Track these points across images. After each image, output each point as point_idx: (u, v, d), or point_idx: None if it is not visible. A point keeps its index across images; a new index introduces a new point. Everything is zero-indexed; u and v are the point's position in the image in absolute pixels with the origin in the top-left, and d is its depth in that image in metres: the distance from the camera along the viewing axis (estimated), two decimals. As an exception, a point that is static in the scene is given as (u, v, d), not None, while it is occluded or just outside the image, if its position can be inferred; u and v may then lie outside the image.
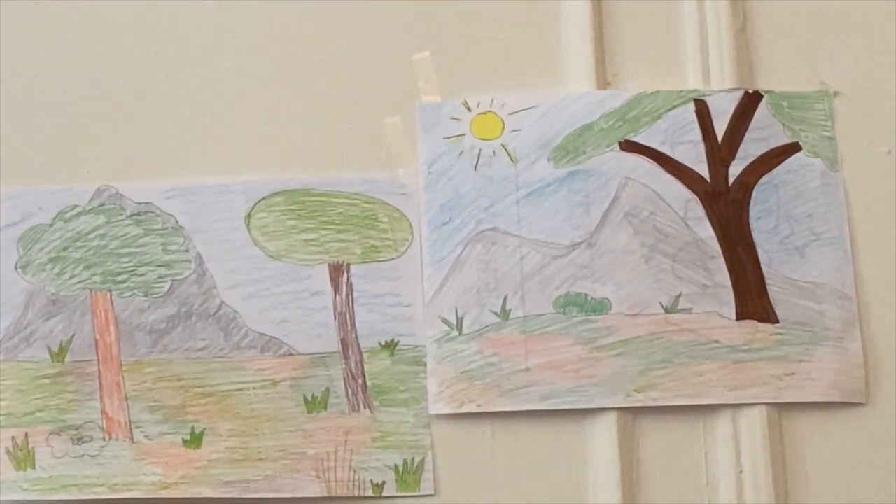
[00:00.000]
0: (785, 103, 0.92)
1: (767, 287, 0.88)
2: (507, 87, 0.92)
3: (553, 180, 0.90)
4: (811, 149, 0.91)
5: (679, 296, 0.88)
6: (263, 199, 0.90)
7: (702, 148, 0.91)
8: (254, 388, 0.87)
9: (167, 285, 0.89)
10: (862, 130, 0.92)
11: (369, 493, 0.86)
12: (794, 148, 0.91)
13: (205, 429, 0.86)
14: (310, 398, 0.87)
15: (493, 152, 0.91)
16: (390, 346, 0.88)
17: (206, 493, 0.85)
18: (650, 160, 0.90)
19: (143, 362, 0.88)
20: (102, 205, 0.91)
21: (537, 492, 0.86)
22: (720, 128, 0.91)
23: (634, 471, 0.86)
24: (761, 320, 0.88)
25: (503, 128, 0.91)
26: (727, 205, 0.90)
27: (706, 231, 0.89)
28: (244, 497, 0.85)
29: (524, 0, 0.94)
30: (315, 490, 0.86)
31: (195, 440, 0.86)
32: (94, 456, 0.86)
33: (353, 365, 0.88)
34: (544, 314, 0.88)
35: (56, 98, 0.93)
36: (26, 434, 0.87)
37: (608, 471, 0.85)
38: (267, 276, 0.89)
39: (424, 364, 0.87)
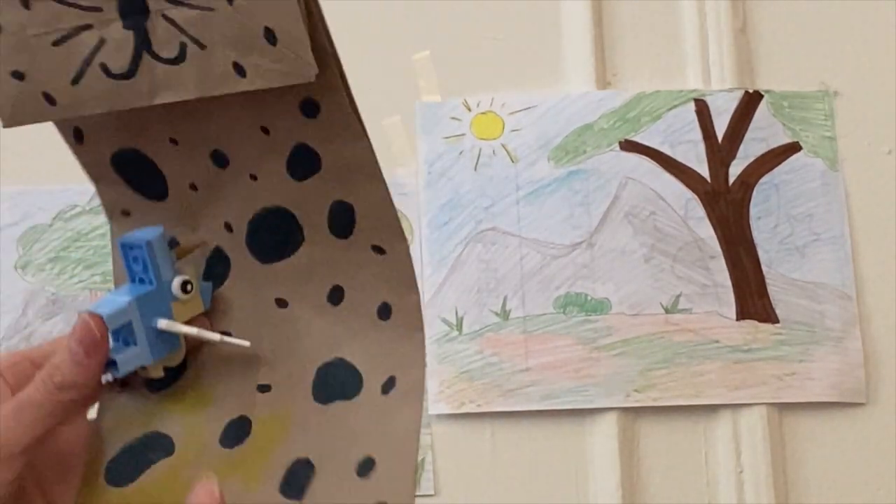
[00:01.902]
0: (785, 103, 0.92)
1: (767, 287, 0.88)
2: (507, 87, 0.92)
3: (553, 180, 0.90)
4: (811, 149, 0.91)
5: (679, 296, 0.88)
6: (263, 198, 0.90)
7: (702, 148, 0.91)
8: (254, 388, 0.87)
9: (167, 285, 0.89)
10: (862, 130, 0.92)
11: (369, 493, 0.85)
12: (794, 148, 0.91)
13: (205, 429, 0.86)
14: (309, 398, 0.87)
15: (493, 152, 0.91)
16: (390, 346, 0.88)
17: (206, 493, 0.85)
18: (650, 160, 0.90)
19: (143, 362, 0.88)
20: (102, 205, 0.91)
21: (537, 492, 0.86)
22: (720, 128, 0.91)
23: (634, 471, 0.86)
24: (761, 320, 0.88)
25: (503, 128, 0.91)
26: (727, 205, 0.90)
27: (706, 231, 0.89)
28: (244, 497, 0.85)
29: (524, 0, 0.94)
30: (315, 490, 0.85)
31: (195, 440, 0.86)
32: (93, 456, 0.86)
33: (352, 365, 0.87)
34: (544, 314, 0.88)
35: (56, 98, 0.93)
36: (26, 434, 0.86)
37: (608, 471, 0.85)
38: (267, 276, 0.89)
39: (423, 364, 0.87)
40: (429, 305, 0.88)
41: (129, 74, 0.43)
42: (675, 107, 0.91)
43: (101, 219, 0.90)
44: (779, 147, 0.91)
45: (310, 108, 0.45)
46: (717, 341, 0.87)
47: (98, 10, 0.43)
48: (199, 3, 0.42)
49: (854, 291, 0.88)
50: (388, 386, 0.46)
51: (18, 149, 0.92)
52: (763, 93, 0.92)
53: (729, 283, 0.88)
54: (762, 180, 0.90)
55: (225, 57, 0.42)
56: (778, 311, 0.88)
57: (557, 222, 0.89)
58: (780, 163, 0.91)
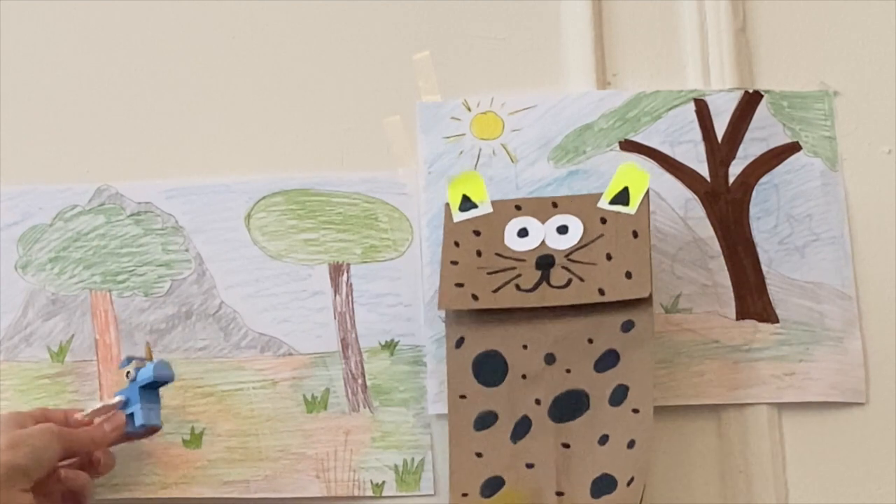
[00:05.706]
0: (785, 103, 0.92)
1: (767, 287, 0.88)
2: (507, 87, 0.92)
3: (553, 180, 0.90)
4: (811, 149, 0.91)
5: (679, 296, 0.88)
6: (263, 198, 0.90)
7: (702, 148, 0.91)
8: (254, 388, 0.87)
9: (167, 285, 0.89)
10: (862, 130, 0.92)
11: (369, 493, 0.86)
12: (794, 148, 0.91)
13: (204, 429, 0.86)
14: (310, 398, 0.87)
15: (493, 152, 0.91)
16: (390, 346, 0.88)
17: (206, 493, 0.85)
18: (650, 160, 0.90)
19: (143, 362, 0.88)
20: (102, 204, 0.91)
21: (537, 492, 0.86)
22: (720, 127, 0.91)
23: (634, 471, 0.86)
24: (761, 320, 0.87)
25: (503, 128, 0.91)
26: (727, 204, 0.90)
27: (706, 231, 0.89)
28: (244, 497, 0.85)
29: (524, 0, 0.94)
30: (315, 490, 0.86)
31: (195, 440, 0.86)
32: (93, 456, 0.86)
33: (353, 365, 0.88)
34: (544, 314, 0.87)
35: (56, 98, 0.93)
36: (26, 434, 0.86)
37: (608, 471, 0.85)
38: (267, 276, 0.89)
39: (424, 364, 0.87)
40: (429, 305, 0.88)
41: (531, 290, 0.78)
42: (674, 107, 0.91)
43: (101, 219, 0.90)
44: (778, 147, 0.91)
45: (628, 326, 0.77)
46: (717, 341, 0.87)
47: (523, 260, 0.80)
48: (588, 261, 0.79)
49: (854, 291, 0.88)
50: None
51: (18, 149, 0.92)
52: (763, 93, 0.92)
53: (729, 282, 0.88)
54: (762, 180, 0.90)
55: (595, 285, 0.78)
56: (778, 311, 0.88)
57: (557, 222, 0.89)
58: (779, 163, 0.91)
